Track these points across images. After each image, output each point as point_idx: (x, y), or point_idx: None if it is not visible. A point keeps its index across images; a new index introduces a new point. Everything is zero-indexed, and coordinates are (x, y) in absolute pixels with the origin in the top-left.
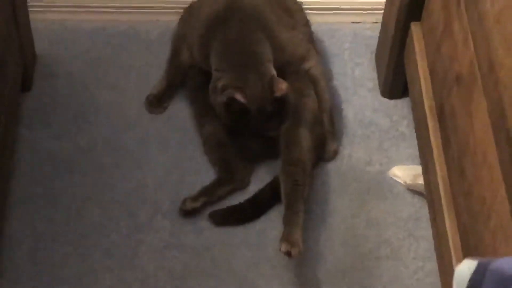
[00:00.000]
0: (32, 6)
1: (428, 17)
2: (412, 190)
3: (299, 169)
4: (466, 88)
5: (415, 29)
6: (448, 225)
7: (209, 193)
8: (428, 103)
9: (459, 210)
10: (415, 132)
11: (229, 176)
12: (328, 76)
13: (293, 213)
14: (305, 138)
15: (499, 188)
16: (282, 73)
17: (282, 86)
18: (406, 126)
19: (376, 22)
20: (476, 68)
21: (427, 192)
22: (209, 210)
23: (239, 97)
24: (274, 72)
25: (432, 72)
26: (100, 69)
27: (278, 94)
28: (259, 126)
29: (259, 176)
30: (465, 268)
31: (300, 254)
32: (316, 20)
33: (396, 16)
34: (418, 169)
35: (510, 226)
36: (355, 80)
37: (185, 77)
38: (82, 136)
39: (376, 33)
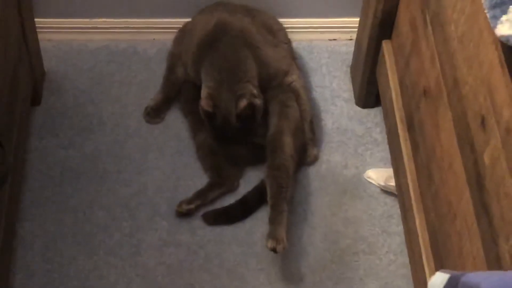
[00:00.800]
0: (41, 28)
1: (398, 36)
2: (385, 190)
3: (283, 173)
4: (433, 101)
5: (386, 46)
6: (418, 223)
7: (202, 196)
8: (398, 113)
9: (427, 210)
10: (387, 138)
11: (220, 180)
12: (308, 88)
13: (278, 213)
14: (288, 145)
15: (464, 191)
16: (266, 87)
17: (241, 104)
18: (379, 133)
19: (351, 39)
20: (442, 83)
21: (399, 193)
22: (203, 211)
23: (205, 104)
24: (249, 90)
25: (402, 85)
26: (103, 84)
27: (237, 110)
28: (226, 135)
29: (247, 180)
30: (437, 281)
31: (284, 250)
32: (296, 38)
33: (368, 34)
34: (390, 171)
35: (474, 226)
36: (332, 91)
37: (180, 91)
38: (87, 145)
39: (351, 49)
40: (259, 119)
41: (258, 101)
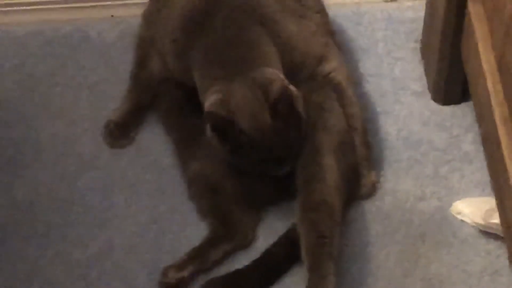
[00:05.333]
0: None
1: None
2: (485, 231)
3: (324, 215)
4: None
5: (474, 9)
6: None
7: (199, 257)
8: (499, 111)
9: None
10: (484, 150)
11: (226, 230)
12: (357, 79)
13: (319, 278)
14: (330, 170)
15: None
16: (291, 81)
17: (273, 90)
18: (472, 143)
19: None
20: None
21: (506, 235)
22: (202, 280)
23: (214, 108)
24: (274, 75)
25: (501, 67)
26: (39, 91)
27: (270, 100)
28: (261, 152)
29: (268, 227)
30: None
31: None
32: (336, 2)
33: None
34: (493, 202)
35: None
36: (395, 82)
37: (156, 95)
38: (18, 187)
39: (420, 14)
40: (303, 114)
41: (293, 87)
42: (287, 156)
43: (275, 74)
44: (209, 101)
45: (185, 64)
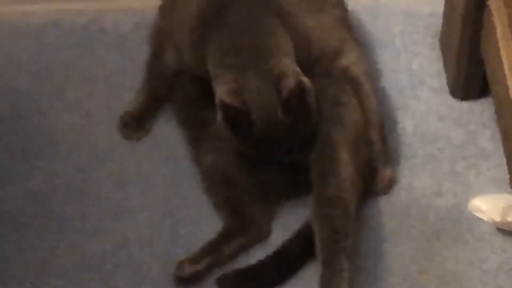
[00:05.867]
0: None
1: None
2: (503, 229)
3: (339, 210)
4: None
5: (495, 4)
6: None
7: (214, 251)
8: None
9: None
10: (503, 147)
11: (241, 224)
12: (374, 74)
13: (334, 273)
14: (345, 165)
15: None
16: (307, 74)
17: (287, 85)
18: (490, 139)
19: None
20: None
21: None
22: (217, 274)
23: (228, 98)
24: (289, 68)
25: None
26: (55, 83)
27: (284, 95)
28: (272, 145)
29: (284, 222)
30: None
31: None
32: None
33: None
34: (510, 199)
35: None
36: (413, 77)
37: (172, 87)
38: (35, 179)
39: (439, 8)
40: (314, 107)
41: (306, 79)
42: (294, 147)
43: (289, 66)
44: (223, 90)
45: (200, 55)
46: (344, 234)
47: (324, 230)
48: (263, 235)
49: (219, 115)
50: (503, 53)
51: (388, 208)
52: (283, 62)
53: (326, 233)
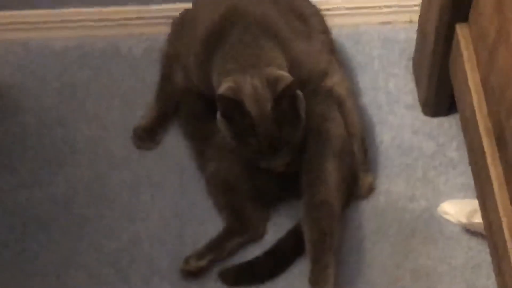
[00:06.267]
0: None
1: (477, 18)
2: (468, 230)
3: (325, 213)
4: None
5: (462, 31)
6: None
7: (217, 248)
8: (483, 124)
9: None
10: (468, 157)
11: (240, 224)
12: (355, 93)
13: (321, 269)
14: (331, 174)
15: None
16: None
17: (280, 84)
18: (456, 150)
19: (411, 22)
20: None
21: (488, 233)
22: (218, 268)
23: (226, 90)
24: (284, 75)
25: (486, 85)
26: (75, 98)
27: (276, 92)
28: (265, 143)
29: (277, 223)
30: None
31: None
32: (337, 24)
33: (437, 15)
34: (475, 203)
35: None
36: (389, 95)
37: (179, 104)
38: (57, 184)
39: (412, 35)
40: (303, 116)
41: (300, 93)
42: (281, 149)
43: (284, 74)
44: (222, 87)
45: (204, 74)
46: (330, 235)
47: (312, 231)
48: (259, 234)
49: (218, 112)
50: (469, 76)
51: (369, 211)
52: (280, 71)
53: (314, 234)
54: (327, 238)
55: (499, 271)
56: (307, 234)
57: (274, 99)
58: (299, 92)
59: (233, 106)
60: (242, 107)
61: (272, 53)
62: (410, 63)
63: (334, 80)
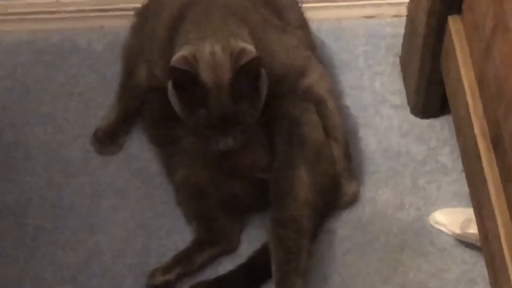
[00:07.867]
0: None
1: (471, 9)
2: (462, 241)
3: (291, 231)
4: None
5: (454, 24)
6: None
7: (186, 261)
8: (478, 125)
9: None
10: (462, 162)
11: (211, 236)
12: (337, 93)
13: None
14: (303, 185)
15: None
16: (271, 95)
17: (245, 55)
18: (448, 154)
19: (399, 16)
20: None
21: (483, 244)
22: (188, 283)
23: (178, 61)
24: (250, 48)
25: (481, 82)
26: (29, 98)
27: (239, 62)
28: (217, 120)
29: (252, 234)
30: None
31: None
32: (317, 17)
33: (427, 6)
34: (469, 212)
35: None
36: (375, 95)
37: (143, 104)
38: (8, 193)
39: (400, 30)
40: (263, 96)
41: (264, 72)
42: (232, 127)
43: (252, 48)
44: (174, 57)
45: (168, 62)
46: (296, 255)
47: (277, 251)
48: (233, 246)
49: (169, 84)
50: (463, 73)
51: (353, 221)
52: (245, 44)
53: (279, 253)
54: (293, 259)
55: (496, 285)
56: (273, 254)
57: (235, 69)
58: (263, 70)
59: (186, 77)
60: (195, 78)
61: (239, 30)
62: (397, 60)
63: (312, 79)
